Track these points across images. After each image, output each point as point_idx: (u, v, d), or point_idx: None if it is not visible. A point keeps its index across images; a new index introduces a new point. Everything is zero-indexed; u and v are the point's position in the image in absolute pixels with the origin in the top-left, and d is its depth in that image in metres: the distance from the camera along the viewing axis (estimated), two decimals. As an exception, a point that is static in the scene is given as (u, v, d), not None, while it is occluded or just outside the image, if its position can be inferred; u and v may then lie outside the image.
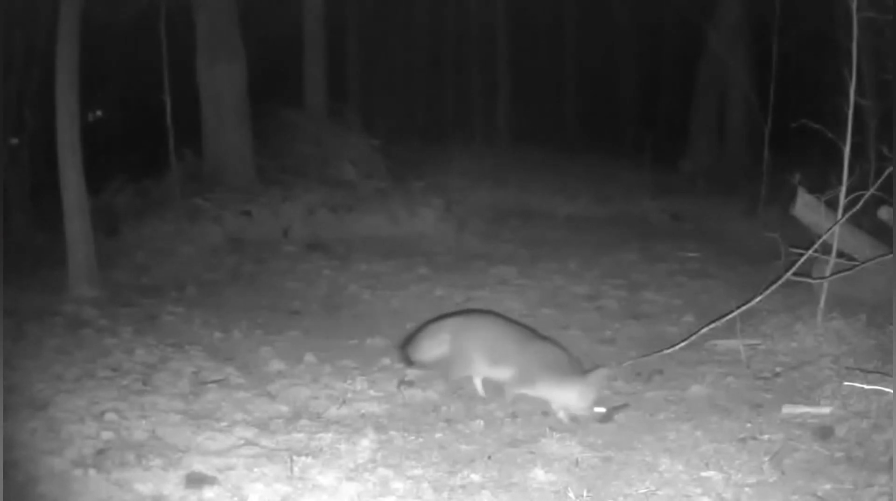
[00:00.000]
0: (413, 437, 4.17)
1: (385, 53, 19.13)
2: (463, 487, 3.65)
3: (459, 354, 4.74)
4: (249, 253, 8.70)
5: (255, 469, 3.73)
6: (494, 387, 4.98)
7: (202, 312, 6.52)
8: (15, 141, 10.36)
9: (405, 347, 5.05)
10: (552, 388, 4.39)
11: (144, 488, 3.56)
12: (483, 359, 4.66)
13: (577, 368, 4.40)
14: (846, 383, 4.48)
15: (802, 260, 5.53)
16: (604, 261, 8.35)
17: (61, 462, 3.77)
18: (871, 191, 5.45)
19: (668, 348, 5.33)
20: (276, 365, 5.25)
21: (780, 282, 5.52)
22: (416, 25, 19.89)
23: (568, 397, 4.33)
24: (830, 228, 5.53)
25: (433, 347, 4.87)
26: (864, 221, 6.26)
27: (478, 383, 4.79)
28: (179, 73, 9.71)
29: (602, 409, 4.31)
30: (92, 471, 3.65)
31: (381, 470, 3.77)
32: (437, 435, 4.22)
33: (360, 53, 17.70)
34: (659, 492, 3.61)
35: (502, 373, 4.59)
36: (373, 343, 5.83)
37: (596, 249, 8.94)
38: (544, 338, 4.69)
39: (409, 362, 4.98)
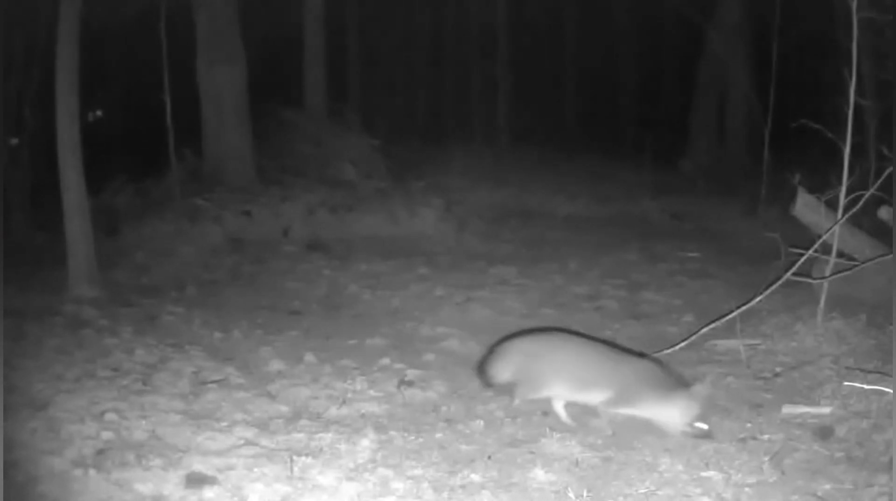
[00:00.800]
0: (413, 437, 4.17)
1: (385, 53, 19.13)
2: (463, 487, 3.65)
3: (532, 378, 4.41)
4: (249, 253, 8.70)
5: (255, 469, 3.73)
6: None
7: (202, 312, 6.52)
8: (15, 141, 10.37)
9: (480, 368, 4.75)
10: (653, 406, 4.11)
11: (144, 488, 3.56)
12: (566, 384, 4.33)
13: (676, 382, 4.18)
14: (846, 383, 4.48)
15: (802, 260, 5.53)
16: (604, 261, 8.35)
17: (61, 462, 3.77)
18: (871, 191, 5.45)
19: (668, 348, 5.32)
20: (276, 365, 5.25)
21: (780, 282, 5.52)
22: (416, 25, 19.89)
23: (669, 414, 4.07)
24: (830, 228, 5.53)
25: (505, 369, 4.55)
26: (864, 221, 6.26)
27: (559, 408, 4.43)
28: (179, 73, 9.71)
29: (704, 426, 4.01)
30: (92, 471, 3.65)
31: (381, 470, 3.77)
32: (437, 435, 4.21)
33: (360, 53, 17.70)
34: (659, 492, 3.61)
35: (594, 396, 4.27)
36: (373, 343, 5.83)
37: (596, 249, 8.94)
38: (634, 353, 4.46)
39: (488, 384, 4.66)
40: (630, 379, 4.19)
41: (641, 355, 4.49)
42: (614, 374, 4.22)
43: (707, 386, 4.09)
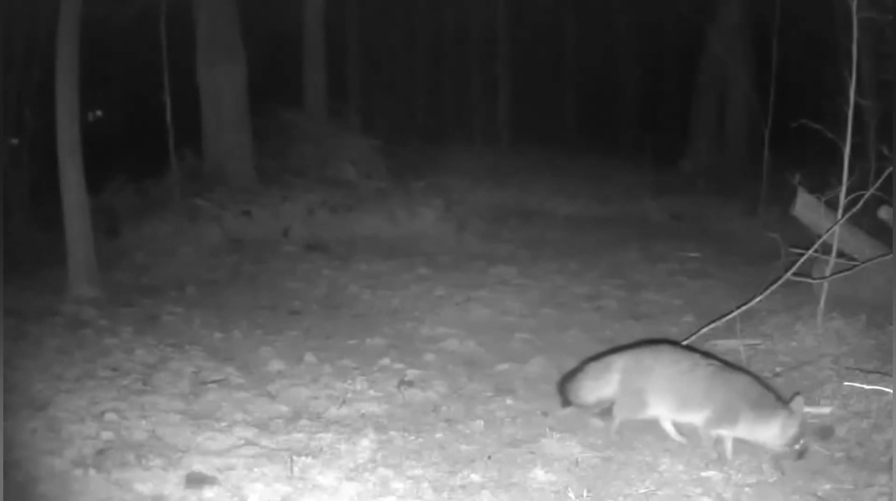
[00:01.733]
0: (413, 437, 4.17)
1: (385, 53, 19.14)
2: (463, 487, 3.65)
3: (633, 396, 4.17)
4: (249, 254, 8.70)
5: (255, 469, 3.73)
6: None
7: (202, 312, 6.52)
8: (15, 141, 10.37)
9: (564, 386, 4.46)
10: (754, 426, 3.89)
11: (144, 488, 3.56)
12: (667, 403, 4.13)
13: (776, 398, 3.98)
14: (846, 383, 4.48)
15: (802, 260, 5.53)
16: (604, 261, 8.36)
17: (61, 462, 3.78)
18: (871, 191, 5.44)
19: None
20: (276, 365, 5.25)
21: (780, 282, 5.52)
22: (416, 25, 19.90)
23: (769, 434, 3.86)
24: (830, 228, 5.52)
25: (598, 388, 4.30)
26: (864, 221, 6.26)
27: (668, 426, 4.25)
28: (179, 73, 9.71)
29: (798, 446, 3.82)
30: (92, 471, 3.65)
31: (381, 470, 3.77)
32: (437, 435, 4.22)
33: (360, 53, 17.70)
34: (659, 492, 3.61)
35: (694, 416, 4.08)
36: (373, 343, 5.83)
37: (596, 249, 8.95)
38: (732, 368, 4.24)
39: (568, 403, 4.42)
40: (732, 396, 3.96)
41: (740, 369, 4.30)
42: (717, 392, 4.00)
43: (802, 400, 3.88)
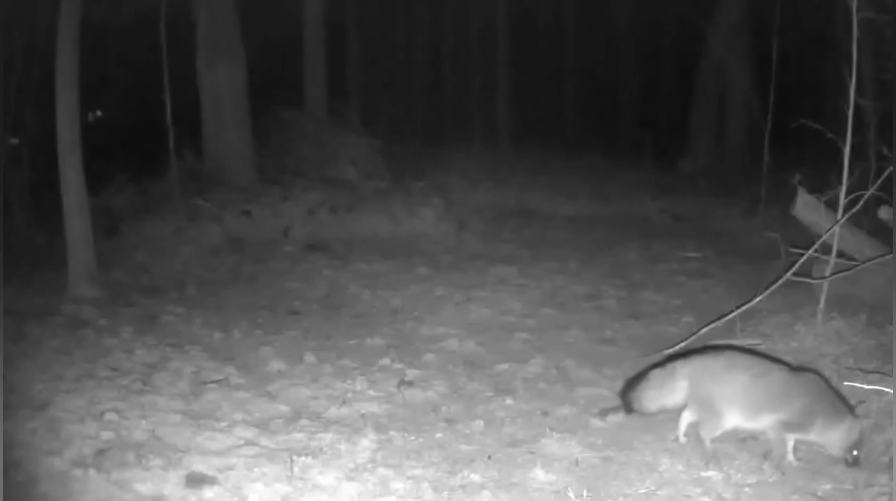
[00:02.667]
0: (413, 437, 4.18)
1: (385, 53, 19.13)
2: (463, 487, 3.65)
3: (707, 407, 4.01)
4: (249, 254, 8.70)
5: (255, 469, 3.74)
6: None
7: (202, 312, 6.52)
8: (15, 141, 10.37)
9: (627, 394, 4.32)
10: (825, 429, 3.84)
11: (144, 488, 3.56)
12: (737, 410, 3.97)
13: (842, 403, 3.93)
14: (846, 383, 4.47)
15: (802, 260, 5.53)
16: (604, 261, 8.36)
17: (61, 462, 3.78)
18: (871, 191, 5.44)
19: (668, 348, 5.32)
20: (276, 365, 5.25)
21: (780, 282, 5.52)
22: (415, 25, 19.90)
23: (833, 438, 3.84)
24: (830, 228, 5.52)
25: (663, 396, 4.16)
26: (864, 221, 6.25)
27: (683, 423, 4.15)
28: (179, 73, 9.71)
29: (856, 452, 3.82)
30: (92, 471, 3.66)
31: (381, 470, 3.77)
32: (437, 435, 4.22)
33: (360, 53, 17.70)
34: (659, 492, 3.61)
35: (766, 422, 3.95)
36: (373, 343, 5.83)
37: (596, 249, 8.96)
38: (800, 370, 4.16)
39: (630, 410, 4.28)
40: (809, 401, 3.88)
41: (805, 370, 4.23)
42: (795, 396, 3.91)
43: (861, 411, 3.91)
